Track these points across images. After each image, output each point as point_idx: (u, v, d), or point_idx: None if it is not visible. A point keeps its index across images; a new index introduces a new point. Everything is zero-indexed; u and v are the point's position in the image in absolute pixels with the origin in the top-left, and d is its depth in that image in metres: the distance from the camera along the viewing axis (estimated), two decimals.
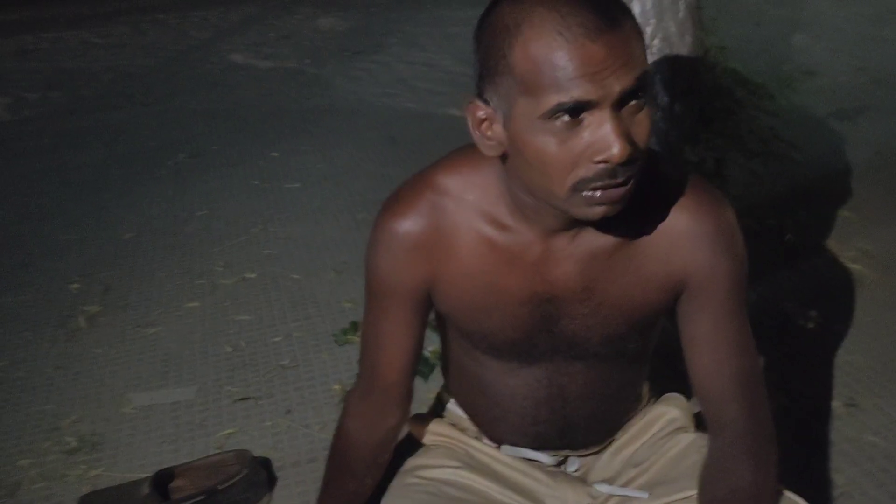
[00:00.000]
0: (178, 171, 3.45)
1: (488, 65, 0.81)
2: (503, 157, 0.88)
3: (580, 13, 0.75)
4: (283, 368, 1.97)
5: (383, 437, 1.11)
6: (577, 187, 0.80)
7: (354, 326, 2.09)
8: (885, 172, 2.93)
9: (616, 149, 0.77)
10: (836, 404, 1.70)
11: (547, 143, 0.79)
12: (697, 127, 2.04)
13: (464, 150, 0.97)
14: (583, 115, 0.77)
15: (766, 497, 1.00)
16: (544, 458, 1.15)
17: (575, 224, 0.91)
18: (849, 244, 2.39)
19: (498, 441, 1.16)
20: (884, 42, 4.63)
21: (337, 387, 1.87)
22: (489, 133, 0.85)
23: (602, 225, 0.90)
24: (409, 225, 0.96)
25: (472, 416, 1.18)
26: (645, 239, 0.94)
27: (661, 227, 0.93)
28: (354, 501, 1.16)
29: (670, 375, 1.73)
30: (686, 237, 0.93)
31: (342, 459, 1.14)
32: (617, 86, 0.76)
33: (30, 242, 2.82)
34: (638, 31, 0.79)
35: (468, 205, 0.94)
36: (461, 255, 0.95)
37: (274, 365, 1.99)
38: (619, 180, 0.80)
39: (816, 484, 1.49)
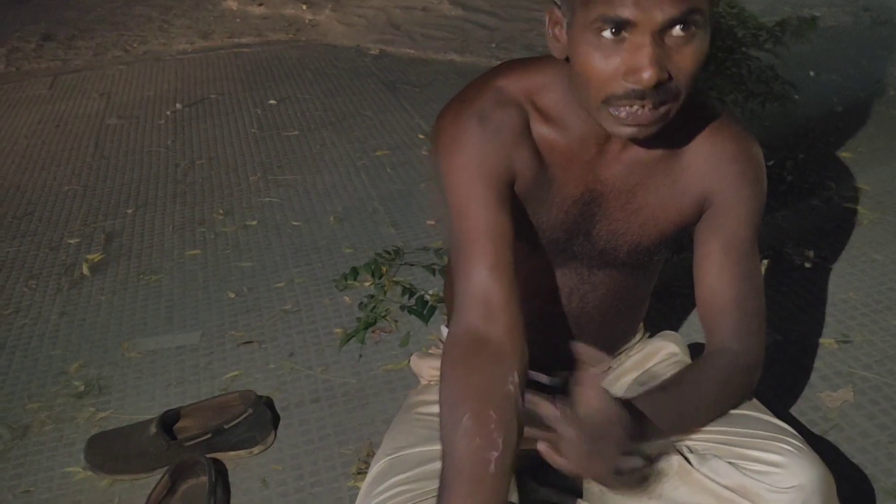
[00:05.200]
0: (176, 121, 3.44)
1: None
2: (568, 61, 0.91)
3: None
4: (285, 313, 2.00)
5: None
6: (608, 101, 0.85)
7: (355, 272, 2.11)
8: (884, 113, 2.92)
9: (646, 74, 0.81)
10: (830, 340, 1.73)
11: (591, 53, 0.84)
12: None
13: (517, 60, 1.03)
14: (625, 35, 0.82)
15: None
16: (545, 378, 1.19)
17: None
18: (846, 184, 2.39)
19: None
20: None
21: (338, 330, 1.90)
22: (558, 36, 0.90)
23: (650, 137, 0.92)
24: (483, 110, 0.96)
25: None
26: (685, 156, 1.00)
27: (700, 148, 1.00)
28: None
29: (665, 314, 1.76)
30: (720, 159, 1.00)
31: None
32: (659, 14, 0.79)
33: (31, 192, 2.83)
34: None
35: (528, 104, 0.98)
36: (526, 153, 0.98)
37: (276, 310, 2.01)
38: (647, 102, 0.83)
39: (807, 416, 1.53)
